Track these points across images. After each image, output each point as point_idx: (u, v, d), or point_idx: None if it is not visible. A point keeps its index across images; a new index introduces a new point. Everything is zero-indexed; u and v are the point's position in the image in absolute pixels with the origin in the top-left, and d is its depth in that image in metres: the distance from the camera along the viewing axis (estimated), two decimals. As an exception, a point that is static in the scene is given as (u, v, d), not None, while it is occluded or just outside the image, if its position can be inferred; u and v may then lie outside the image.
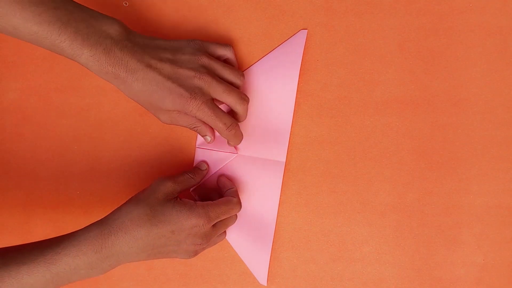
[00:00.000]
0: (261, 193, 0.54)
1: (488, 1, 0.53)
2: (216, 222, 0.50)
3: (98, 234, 0.45)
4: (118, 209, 0.47)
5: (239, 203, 0.52)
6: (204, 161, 0.55)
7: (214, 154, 0.55)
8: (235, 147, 0.55)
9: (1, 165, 0.58)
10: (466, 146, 0.53)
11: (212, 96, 0.49)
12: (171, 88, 0.47)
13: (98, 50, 0.44)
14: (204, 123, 0.50)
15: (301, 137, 0.55)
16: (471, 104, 0.53)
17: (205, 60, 0.49)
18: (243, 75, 0.52)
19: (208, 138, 0.52)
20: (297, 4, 0.55)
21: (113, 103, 0.57)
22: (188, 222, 0.47)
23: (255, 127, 0.54)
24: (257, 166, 0.54)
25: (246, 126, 0.54)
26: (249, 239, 0.54)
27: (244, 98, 0.50)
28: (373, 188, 0.54)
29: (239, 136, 0.52)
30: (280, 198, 0.55)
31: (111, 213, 0.47)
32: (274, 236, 0.55)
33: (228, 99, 0.49)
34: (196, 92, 0.47)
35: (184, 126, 0.50)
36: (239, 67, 0.56)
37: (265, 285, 0.55)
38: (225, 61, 0.53)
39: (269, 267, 0.55)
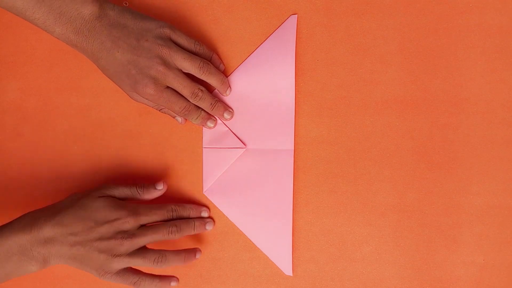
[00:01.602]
0: (274, 184, 0.54)
1: (488, 1, 0.53)
2: (146, 226, 0.50)
3: (29, 218, 0.48)
4: (57, 202, 0.50)
5: (174, 211, 0.52)
6: (164, 182, 0.54)
7: (222, 152, 0.55)
8: (243, 143, 0.55)
9: (1, 165, 0.58)
10: (466, 146, 0.53)
11: (167, 85, 0.50)
12: (130, 73, 0.49)
13: (68, 29, 0.47)
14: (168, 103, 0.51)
15: (300, 137, 0.55)
16: (471, 104, 0.53)
17: (165, 52, 0.49)
18: (206, 64, 0.51)
19: (179, 119, 0.54)
20: (297, 5, 0.55)
21: (113, 103, 0.57)
22: (114, 213, 0.48)
23: (259, 119, 0.54)
24: (267, 158, 0.54)
25: (250, 119, 0.55)
26: (268, 232, 0.54)
27: (196, 93, 0.51)
28: (373, 188, 0.54)
29: (193, 116, 0.52)
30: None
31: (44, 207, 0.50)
32: (274, 236, 0.55)
33: (183, 92, 0.51)
34: (150, 81, 0.49)
35: (151, 107, 0.53)
36: (237, 66, 0.55)
37: (291, 275, 0.54)
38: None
39: (292, 257, 0.55)
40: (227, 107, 0.54)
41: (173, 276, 0.52)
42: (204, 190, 0.56)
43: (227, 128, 0.55)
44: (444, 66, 0.53)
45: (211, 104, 0.53)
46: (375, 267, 0.54)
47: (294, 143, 0.55)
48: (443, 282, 0.53)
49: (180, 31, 0.51)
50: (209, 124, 0.54)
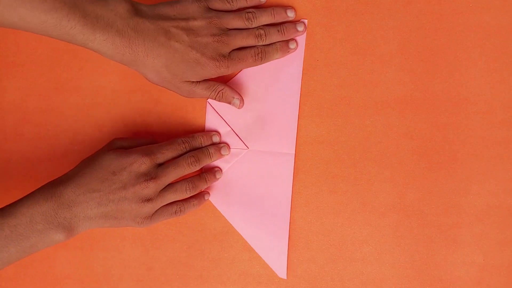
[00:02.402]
0: (273, 187, 0.55)
1: (488, 1, 0.53)
2: (165, 163, 0.50)
3: (49, 185, 0.47)
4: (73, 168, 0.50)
5: (186, 142, 0.51)
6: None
7: None
8: (246, 145, 0.55)
9: (1, 165, 0.58)
10: (466, 146, 0.53)
11: (234, 47, 0.50)
12: (197, 58, 0.48)
13: (111, 32, 0.44)
14: (227, 86, 0.52)
15: (300, 137, 0.55)
16: (471, 104, 0.53)
17: (216, 21, 0.49)
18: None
19: (237, 102, 0.53)
20: (297, 4, 0.55)
21: (113, 103, 0.57)
22: (126, 159, 0.47)
23: (263, 121, 0.54)
24: (267, 160, 0.54)
25: (253, 120, 0.55)
26: (265, 234, 0.54)
27: (260, 34, 0.51)
28: (373, 188, 0.54)
29: (269, 54, 0.52)
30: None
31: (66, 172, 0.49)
32: (274, 236, 0.55)
33: (248, 42, 0.51)
34: (219, 55, 0.49)
35: (205, 97, 0.52)
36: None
37: (285, 278, 0.54)
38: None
39: (292, 258, 0.55)
40: (294, 23, 0.54)
41: (204, 191, 0.54)
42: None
43: (230, 128, 0.55)
44: (444, 66, 0.53)
45: (278, 31, 0.52)
46: (375, 267, 0.54)
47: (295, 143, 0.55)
48: (443, 282, 0.53)
49: None
50: (235, 101, 0.53)
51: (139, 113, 0.57)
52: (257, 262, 0.55)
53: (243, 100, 0.53)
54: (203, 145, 0.53)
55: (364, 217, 0.54)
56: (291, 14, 0.53)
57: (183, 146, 0.51)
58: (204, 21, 0.49)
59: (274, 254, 0.54)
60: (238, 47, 0.51)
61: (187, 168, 0.51)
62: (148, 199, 0.48)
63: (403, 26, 0.54)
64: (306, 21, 0.54)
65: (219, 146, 0.54)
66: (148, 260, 0.56)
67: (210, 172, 0.54)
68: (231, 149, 0.55)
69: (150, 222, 0.49)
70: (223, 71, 0.50)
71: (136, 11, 0.46)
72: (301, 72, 0.54)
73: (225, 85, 0.52)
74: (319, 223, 0.55)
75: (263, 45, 0.52)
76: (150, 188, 0.48)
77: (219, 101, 0.53)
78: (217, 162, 0.55)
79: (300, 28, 0.53)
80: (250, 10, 0.52)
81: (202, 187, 0.53)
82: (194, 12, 0.49)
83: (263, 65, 0.54)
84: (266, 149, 0.54)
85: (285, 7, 0.53)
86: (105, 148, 0.50)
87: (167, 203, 0.50)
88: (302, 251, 0.55)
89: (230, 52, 0.51)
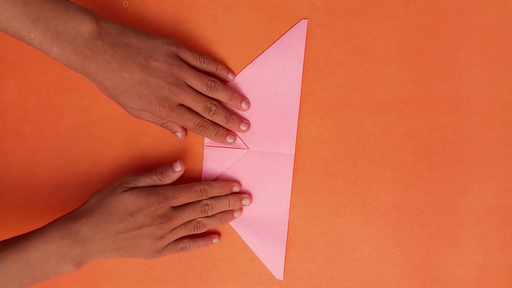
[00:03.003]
0: (272, 188, 0.55)
1: (488, 1, 0.53)
2: (180, 205, 0.51)
3: (64, 221, 0.48)
4: (85, 202, 0.50)
5: (203, 191, 0.52)
6: (180, 161, 0.53)
7: (223, 151, 0.55)
8: (246, 144, 0.55)
9: (1, 165, 0.58)
10: (466, 146, 0.53)
11: (180, 103, 0.51)
12: (141, 93, 0.48)
13: (67, 49, 0.45)
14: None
15: (301, 137, 0.55)
16: (471, 104, 0.53)
17: (175, 71, 0.49)
18: (215, 82, 0.52)
19: (179, 135, 0.54)
20: (297, 4, 0.55)
21: (113, 103, 0.57)
22: (144, 202, 0.49)
23: (263, 122, 0.54)
24: (267, 161, 0.54)
25: (254, 120, 0.55)
26: (263, 234, 0.55)
27: (209, 108, 0.51)
28: (373, 188, 0.54)
29: (208, 133, 0.52)
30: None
31: (79, 206, 0.50)
32: (274, 236, 0.55)
33: (195, 108, 0.51)
34: (164, 101, 0.49)
35: (153, 123, 0.52)
36: (239, 68, 0.55)
37: (282, 279, 0.54)
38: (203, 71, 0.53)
39: (292, 258, 0.55)
40: (242, 119, 0.54)
41: (214, 233, 0.55)
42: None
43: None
44: (444, 66, 0.53)
45: (225, 117, 0.53)
46: (375, 267, 0.54)
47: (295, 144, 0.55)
48: (443, 282, 0.53)
49: (185, 46, 0.51)
50: (228, 139, 0.54)
51: (139, 113, 0.57)
52: (257, 262, 0.55)
53: (185, 134, 0.54)
54: (221, 194, 0.54)
55: (364, 217, 0.54)
56: (244, 107, 0.54)
57: (200, 194, 0.52)
58: (164, 65, 0.49)
59: (272, 255, 0.54)
60: (186, 104, 0.51)
61: (200, 214, 0.52)
62: (161, 237, 0.50)
63: (403, 26, 0.54)
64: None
65: (241, 196, 0.54)
66: (148, 260, 0.56)
67: (227, 212, 0.54)
68: (231, 148, 0.55)
69: (159, 255, 0.52)
70: (162, 115, 0.50)
71: (100, 33, 0.46)
72: (301, 73, 0.54)
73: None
74: (319, 223, 0.55)
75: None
76: (164, 228, 0.50)
77: (164, 127, 0.53)
78: (216, 161, 0.55)
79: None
80: (214, 79, 0.52)
81: (214, 226, 0.54)
82: (160, 53, 0.49)
83: (263, 67, 0.54)
84: (266, 149, 0.54)
85: (242, 98, 0.54)
86: (119, 188, 0.50)
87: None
88: (302, 251, 0.55)
89: (177, 106, 0.50)
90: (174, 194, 0.51)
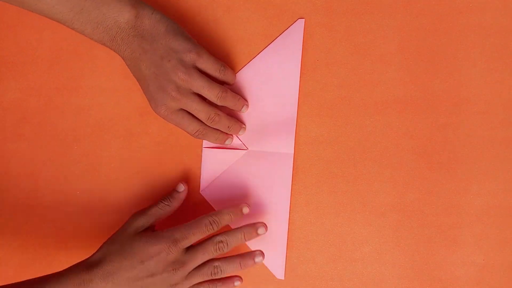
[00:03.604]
0: (272, 187, 0.55)
1: (488, 1, 0.53)
2: (192, 246, 0.49)
3: (78, 271, 0.47)
4: (99, 249, 0.49)
5: (213, 223, 0.49)
6: (182, 182, 0.54)
7: (222, 153, 0.55)
8: (245, 145, 0.55)
9: (1, 165, 0.58)
10: (466, 146, 0.53)
11: (181, 109, 0.51)
12: (148, 87, 0.50)
13: (105, 37, 0.48)
14: (211, 128, 0.53)
15: (301, 137, 0.55)
16: (471, 104, 0.53)
17: (182, 78, 0.49)
18: (226, 70, 0.52)
19: (229, 141, 0.55)
20: (297, 4, 0.55)
21: (113, 103, 0.57)
22: (154, 248, 0.47)
23: (261, 121, 0.54)
24: (266, 161, 0.54)
25: (252, 120, 0.55)
26: (263, 235, 0.54)
27: (212, 118, 0.51)
28: (373, 188, 0.54)
29: (209, 138, 0.53)
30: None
31: (94, 252, 0.49)
32: (274, 236, 0.55)
33: (198, 116, 0.51)
34: (162, 102, 0.50)
35: (189, 133, 0.52)
36: (240, 67, 0.55)
37: (283, 278, 0.54)
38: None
39: (292, 258, 0.55)
40: (241, 125, 0.54)
41: (236, 276, 0.52)
42: (201, 189, 0.56)
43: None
44: (444, 66, 0.53)
45: (228, 127, 0.53)
46: (375, 267, 0.54)
47: (294, 143, 0.55)
48: (443, 282, 0.53)
49: (208, 54, 0.51)
50: (228, 142, 0.54)
51: (139, 113, 0.57)
52: (257, 262, 0.55)
53: (232, 137, 0.55)
54: (233, 220, 0.51)
55: (364, 217, 0.54)
56: (244, 110, 0.54)
57: (211, 228, 0.50)
58: (174, 70, 0.49)
59: (273, 255, 0.54)
60: (189, 111, 0.51)
61: (215, 254, 0.50)
62: (175, 284, 0.48)
63: (403, 26, 0.54)
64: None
65: (256, 226, 0.51)
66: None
67: (248, 255, 0.51)
68: (230, 149, 0.55)
69: None
70: (161, 115, 0.51)
71: (136, 25, 0.48)
72: (299, 72, 0.54)
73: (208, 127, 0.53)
74: (319, 223, 0.55)
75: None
76: (178, 275, 0.48)
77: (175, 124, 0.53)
78: (215, 162, 0.55)
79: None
80: (225, 89, 0.52)
81: (232, 271, 0.51)
82: (176, 57, 0.49)
83: (261, 66, 0.54)
84: (265, 149, 0.54)
85: (244, 103, 0.54)
86: (129, 230, 0.50)
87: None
88: (302, 251, 0.55)
89: (178, 109, 0.51)
90: (184, 234, 0.48)
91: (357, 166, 0.54)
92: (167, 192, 0.55)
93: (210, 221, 0.49)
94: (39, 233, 0.57)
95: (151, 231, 0.50)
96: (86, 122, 0.57)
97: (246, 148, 0.55)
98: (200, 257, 0.49)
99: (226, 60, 0.56)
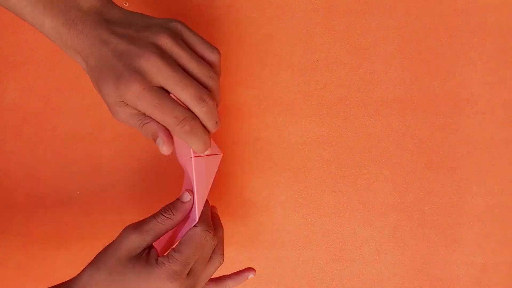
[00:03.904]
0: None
1: (488, 1, 0.53)
2: (192, 269, 0.41)
3: None
4: (81, 272, 0.40)
5: (205, 231, 0.42)
6: (188, 191, 0.43)
7: (214, 159, 0.45)
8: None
9: (1, 165, 0.58)
10: (466, 146, 0.53)
11: (161, 85, 0.38)
12: (114, 67, 0.37)
13: (60, 21, 0.38)
14: (155, 121, 0.40)
15: (301, 137, 0.55)
16: (471, 104, 0.53)
17: (165, 41, 0.38)
18: (217, 53, 0.42)
19: (160, 142, 0.40)
20: (297, 4, 0.55)
21: (113, 103, 0.57)
22: (150, 285, 0.39)
23: None
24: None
25: None
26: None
27: (203, 98, 0.38)
28: (373, 188, 0.54)
29: (198, 135, 0.39)
30: (280, 198, 0.55)
31: (75, 277, 0.41)
32: (273, 236, 0.55)
33: (182, 95, 0.38)
34: (136, 75, 0.37)
35: (129, 124, 0.40)
36: (239, 67, 0.55)
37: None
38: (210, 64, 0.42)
39: (292, 257, 0.54)
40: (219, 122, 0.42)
41: (249, 268, 0.48)
42: (172, 229, 0.44)
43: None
44: (444, 66, 0.53)
45: (216, 122, 0.41)
46: (375, 267, 0.54)
47: (294, 143, 0.54)
48: (443, 282, 0.53)
49: (192, 30, 0.41)
50: (207, 152, 0.42)
51: (139, 113, 0.57)
52: (257, 262, 0.55)
53: (171, 144, 0.41)
54: None
55: (364, 217, 0.54)
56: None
57: (211, 243, 0.42)
58: (153, 35, 0.38)
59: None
60: (167, 87, 0.38)
61: (217, 268, 0.45)
62: None
63: (403, 26, 0.54)
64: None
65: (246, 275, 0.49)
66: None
67: (239, 275, 0.48)
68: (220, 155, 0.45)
69: None
70: (131, 96, 0.38)
71: (101, 9, 0.39)
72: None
73: (154, 120, 0.40)
74: (319, 223, 0.55)
75: None
76: None
77: (142, 133, 0.41)
78: (207, 172, 0.45)
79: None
80: (215, 71, 0.41)
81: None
82: (157, 27, 0.39)
83: None
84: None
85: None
86: (119, 252, 0.40)
87: None
88: (302, 251, 0.55)
89: (156, 87, 0.38)
90: (183, 263, 0.40)
91: (357, 166, 0.54)
92: (167, 192, 0.54)
93: (207, 233, 0.42)
94: (39, 233, 0.57)
95: (146, 254, 0.40)
96: (86, 122, 0.57)
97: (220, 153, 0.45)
98: (204, 278, 0.43)
99: (226, 60, 0.56)
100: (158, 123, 0.39)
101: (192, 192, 0.43)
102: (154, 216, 0.41)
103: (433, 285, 0.53)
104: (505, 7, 0.53)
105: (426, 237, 0.53)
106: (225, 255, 0.56)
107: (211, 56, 0.41)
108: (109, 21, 0.39)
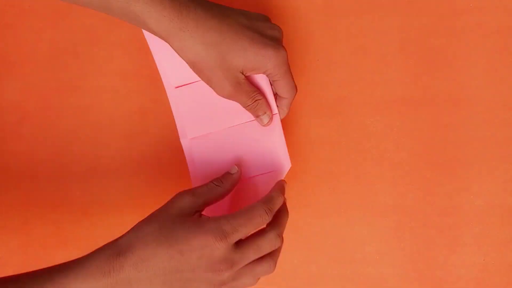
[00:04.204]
0: (258, 189, 0.49)
1: (488, 1, 0.53)
2: (243, 242, 0.41)
3: (107, 255, 0.39)
4: (131, 228, 0.42)
5: (269, 212, 0.42)
6: (236, 165, 0.47)
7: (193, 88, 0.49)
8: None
9: (1, 165, 0.58)
10: (466, 146, 0.53)
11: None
12: (254, 37, 0.42)
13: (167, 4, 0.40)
14: (265, 98, 0.46)
15: (301, 137, 0.55)
16: (471, 104, 0.53)
17: (278, 29, 0.45)
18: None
19: (266, 119, 0.47)
20: (297, 4, 0.55)
21: (113, 103, 0.57)
22: (198, 239, 0.39)
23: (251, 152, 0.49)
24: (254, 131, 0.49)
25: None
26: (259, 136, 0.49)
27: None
28: (373, 188, 0.54)
29: (262, 107, 0.47)
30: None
31: (124, 234, 0.41)
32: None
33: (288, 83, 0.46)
34: (280, 44, 0.43)
35: (242, 102, 0.45)
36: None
37: (290, 166, 0.49)
38: None
39: (292, 257, 0.53)
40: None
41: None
42: (222, 198, 0.46)
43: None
44: (444, 66, 0.53)
45: (265, 112, 0.47)
46: (375, 267, 0.54)
47: (294, 142, 0.55)
48: (444, 282, 0.53)
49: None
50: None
51: (139, 113, 0.57)
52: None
53: (271, 118, 0.47)
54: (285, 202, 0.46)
55: (364, 217, 0.54)
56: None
57: (266, 217, 0.42)
58: (267, 23, 0.45)
59: (274, 147, 0.49)
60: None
61: (269, 250, 0.42)
62: (222, 284, 0.41)
63: (403, 26, 0.54)
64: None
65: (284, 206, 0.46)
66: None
67: (283, 217, 0.45)
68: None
69: None
70: (280, 59, 0.43)
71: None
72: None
73: (264, 98, 0.47)
74: (319, 223, 0.55)
75: None
76: (224, 275, 0.40)
77: (249, 111, 0.47)
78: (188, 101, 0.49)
79: None
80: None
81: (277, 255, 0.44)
82: (259, 18, 0.45)
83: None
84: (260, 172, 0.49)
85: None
86: (171, 209, 0.42)
87: None
88: (302, 251, 0.55)
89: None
90: (234, 226, 0.40)
91: (357, 166, 0.54)
92: (167, 192, 0.54)
93: (265, 211, 0.42)
94: (39, 233, 0.57)
95: (197, 216, 0.42)
96: (86, 122, 0.57)
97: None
98: (252, 256, 0.41)
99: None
100: (267, 100, 0.47)
101: (240, 165, 0.47)
102: (205, 184, 0.44)
103: (433, 285, 0.53)
104: (505, 7, 0.53)
105: (426, 237, 0.53)
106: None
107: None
108: (207, 3, 0.42)
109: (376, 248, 0.54)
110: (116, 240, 0.41)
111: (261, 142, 0.49)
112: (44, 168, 0.57)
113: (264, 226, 0.43)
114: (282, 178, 0.49)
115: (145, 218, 0.42)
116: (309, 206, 0.55)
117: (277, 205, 0.44)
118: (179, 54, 0.42)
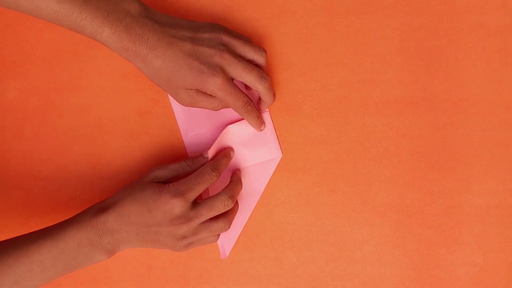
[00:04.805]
0: (252, 177, 0.55)
1: (488, 1, 0.53)
2: (198, 202, 0.49)
3: (94, 211, 0.49)
4: (111, 195, 0.51)
5: (215, 170, 0.50)
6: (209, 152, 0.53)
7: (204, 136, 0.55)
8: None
9: (1, 165, 0.58)
10: (466, 146, 0.53)
11: (231, 76, 0.49)
12: (192, 65, 0.47)
13: (119, 27, 0.45)
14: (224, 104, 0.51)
15: (301, 137, 0.55)
16: (471, 104, 0.53)
17: (225, 39, 0.49)
18: (264, 51, 0.51)
19: (263, 127, 0.54)
20: (297, 4, 0.55)
21: (113, 103, 0.57)
22: (160, 199, 0.48)
23: (243, 141, 0.55)
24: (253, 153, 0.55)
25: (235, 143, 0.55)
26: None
27: (264, 77, 0.49)
28: (373, 188, 0.54)
29: (255, 114, 0.52)
30: (280, 198, 0.55)
31: (104, 199, 0.50)
32: (273, 236, 0.55)
33: (247, 78, 0.49)
34: (217, 70, 0.47)
35: (204, 108, 0.50)
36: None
37: (226, 257, 0.55)
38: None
39: (292, 257, 0.55)
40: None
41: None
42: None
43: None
44: (444, 66, 0.53)
45: (274, 94, 0.52)
46: (375, 267, 0.54)
47: (294, 143, 0.55)
48: (443, 282, 0.53)
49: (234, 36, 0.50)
50: (263, 127, 0.54)
51: (139, 113, 0.57)
52: (257, 262, 0.55)
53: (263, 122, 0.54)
54: (227, 165, 0.53)
55: (364, 217, 0.54)
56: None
57: (214, 175, 0.50)
58: (214, 35, 0.49)
59: (227, 235, 0.55)
60: (235, 75, 0.49)
61: (222, 210, 0.50)
62: (182, 238, 0.49)
63: (403, 26, 0.54)
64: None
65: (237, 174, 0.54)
66: (148, 260, 0.56)
67: (236, 183, 0.53)
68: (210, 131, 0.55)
69: (187, 248, 0.51)
70: (215, 87, 0.48)
71: (147, 13, 0.47)
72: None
73: (222, 104, 0.51)
74: (319, 223, 0.55)
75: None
76: (184, 229, 0.48)
77: (209, 108, 0.51)
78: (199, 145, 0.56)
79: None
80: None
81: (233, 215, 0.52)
82: (207, 27, 0.49)
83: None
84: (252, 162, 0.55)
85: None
86: (145, 179, 0.51)
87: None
88: (302, 251, 0.55)
89: (229, 78, 0.49)
90: (188, 186, 0.48)
91: (357, 166, 0.54)
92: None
93: (211, 169, 0.50)
94: (39, 233, 0.57)
95: (161, 183, 0.50)
96: (86, 122, 0.57)
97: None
98: (205, 214, 0.49)
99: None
100: (224, 104, 0.50)
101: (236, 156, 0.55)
102: (178, 162, 0.52)
103: (433, 285, 0.53)
104: (505, 7, 0.53)
105: (426, 237, 0.53)
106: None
107: (255, 58, 0.51)
108: (160, 23, 0.47)
109: (375, 248, 0.54)
110: (102, 201, 0.50)
111: (254, 135, 0.54)
112: (44, 168, 0.57)
113: (213, 182, 0.50)
114: (274, 168, 0.55)
115: (125, 185, 0.52)
116: (309, 206, 0.55)
117: (222, 166, 0.51)
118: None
